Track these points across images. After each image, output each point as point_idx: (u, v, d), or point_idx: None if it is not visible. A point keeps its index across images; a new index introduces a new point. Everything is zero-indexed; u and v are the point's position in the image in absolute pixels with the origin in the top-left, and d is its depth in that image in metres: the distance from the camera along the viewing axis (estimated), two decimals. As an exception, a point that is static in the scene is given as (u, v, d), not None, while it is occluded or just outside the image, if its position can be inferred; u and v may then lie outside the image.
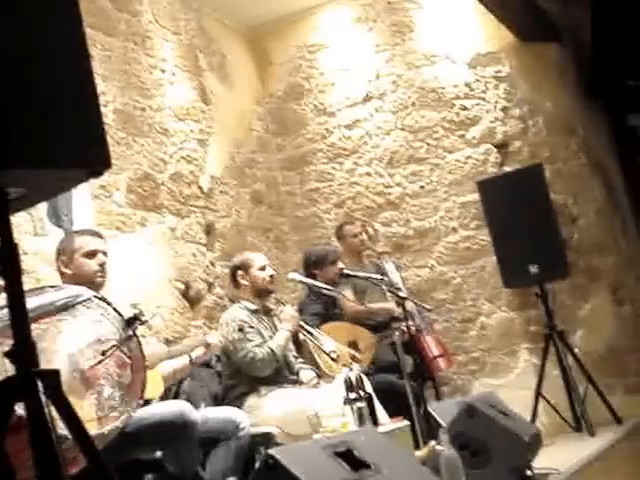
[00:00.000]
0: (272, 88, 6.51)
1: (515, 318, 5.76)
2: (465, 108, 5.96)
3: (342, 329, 4.93)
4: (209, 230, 5.36)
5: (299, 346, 4.56)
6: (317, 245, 5.64)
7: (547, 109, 5.80)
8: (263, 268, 4.44)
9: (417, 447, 3.71)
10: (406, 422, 3.87)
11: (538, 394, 5.11)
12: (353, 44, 6.30)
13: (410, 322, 4.47)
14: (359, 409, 3.57)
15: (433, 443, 3.33)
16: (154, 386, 3.28)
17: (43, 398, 1.62)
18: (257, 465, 3.27)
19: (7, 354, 1.65)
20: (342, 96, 6.30)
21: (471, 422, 3.35)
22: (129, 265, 4.37)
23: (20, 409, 1.69)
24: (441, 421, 3.57)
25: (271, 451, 2.34)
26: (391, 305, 5.15)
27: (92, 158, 1.69)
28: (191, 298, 5.00)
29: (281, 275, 5.76)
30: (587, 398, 5.03)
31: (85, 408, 2.47)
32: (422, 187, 6.05)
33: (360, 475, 2.41)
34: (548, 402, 5.13)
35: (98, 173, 1.70)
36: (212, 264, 5.26)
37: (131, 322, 2.76)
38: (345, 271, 4.96)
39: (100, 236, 3.47)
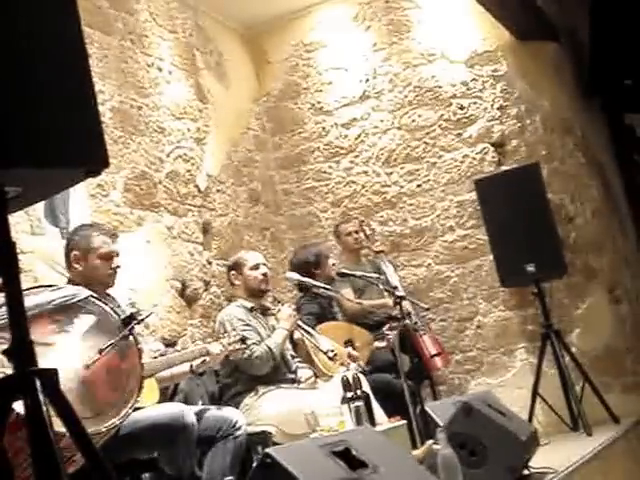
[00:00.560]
0: (269, 87, 6.51)
1: (512, 317, 5.76)
2: (462, 107, 5.96)
3: (339, 328, 4.93)
4: (206, 229, 5.35)
5: (296, 345, 4.56)
6: (308, 245, 5.60)
7: (544, 108, 5.80)
8: (256, 267, 4.43)
9: (414, 446, 3.72)
10: (403, 421, 3.88)
11: (535, 393, 5.12)
12: (350, 43, 6.29)
13: (407, 321, 4.46)
14: (356, 408, 3.57)
15: (430, 442, 3.33)
16: (149, 394, 3.27)
17: (41, 397, 1.62)
18: (254, 464, 3.26)
19: (5, 352, 1.65)
20: (339, 95, 6.29)
21: (468, 421, 3.35)
22: (126, 264, 4.36)
23: (18, 407, 1.69)
24: (438, 420, 3.57)
25: (269, 450, 2.34)
26: (389, 301, 5.13)
27: (90, 157, 1.69)
28: (188, 297, 4.99)
29: (278, 274, 5.76)
30: (584, 397, 5.03)
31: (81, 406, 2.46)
32: (419, 186, 6.05)
33: (358, 474, 2.41)
34: (545, 401, 5.13)
35: (96, 172, 1.70)
36: (209, 263, 5.26)
37: (128, 321, 2.75)
38: (342, 270, 4.97)
39: (117, 236, 3.48)
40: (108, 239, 3.41)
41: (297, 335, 4.51)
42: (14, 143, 1.58)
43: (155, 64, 5.21)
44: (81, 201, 4.20)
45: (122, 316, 2.75)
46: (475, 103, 5.93)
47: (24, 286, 1.71)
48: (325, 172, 6.31)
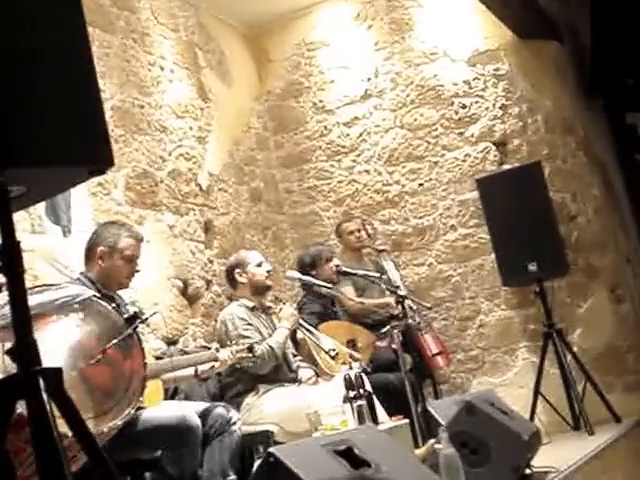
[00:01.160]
0: (271, 85, 6.50)
1: (514, 316, 5.76)
2: (464, 106, 5.95)
3: (341, 328, 4.93)
4: (207, 228, 5.35)
5: (298, 344, 4.56)
6: (310, 245, 5.63)
7: (546, 107, 5.80)
8: (260, 265, 4.46)
9: (416, 445, 3.71)
10: (405, 420, 3.87)
11: (537, 392, 5.11)
12: (352, 42, 6.29)
13: (409, 320, 4.46)
14: (359, 407, 3.57)
15: (432, 441, 3.33)
16: (154, 395, 3.27)
17: (45, 396, 1.61)
18: (257, 463, 3.26)
19: (8, 352, 1.65)
20: (341, 94, 6.29)
21: (470, 420, 3.35)
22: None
23: (20, 407, 1.69)
24: (440, 419, 3.57)
25: (271, 449, 2.34)
26: (390, 300, 5.13)
27: (94, 156, 1.68)
28: (189, 296, 4.99)
29: (279, 273, 5.76)
30: (586, 396, 5.03)
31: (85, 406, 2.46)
32: (421, 185, 6.05)
33: (360, 473, 2.40)
34: (547, 400, 5.13)
35: (100, 171, 1.70)
36: (210, 262, 5.25)
37: (131, 320, 2.75)
38: (343, 269, 4.97)
39: (142, 240, 3.51)
40: (134, 242, 3.44)
41: (299, 334, 4.51)
42: (17, 142, 1.58)
43: (157, 63, 5.20)
44: (82, 200, 4.19)
45: (125, 315, 2.75)
46: (477, 102, 5.93)
47: (26, 285, 1.71)
48: (327, 171, 6.30)
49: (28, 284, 1.72)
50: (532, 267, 5.21)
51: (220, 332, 4.30)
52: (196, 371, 3.61)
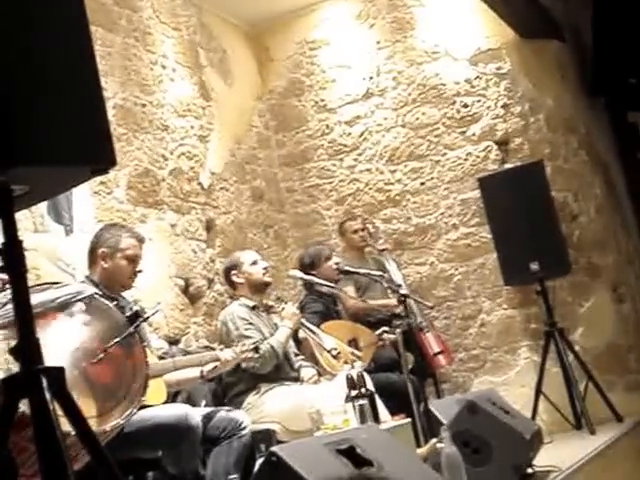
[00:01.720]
0: (272, 84, 6.50)
1: (515, 315, 5.75)
2: (466, 105, 5.95)
3: (342, 327, 4.92)
4: (209, 227, 5.35)
5: (300, 344, 4.56)
6: (310, 244, 5.65)
7: (548, 106, 5.79)
8: (255, 262, 4.46)
9: (418, 445, 3.71)
10: (407, 419, 3.87)
11: (538, 392, 5.12)
12: (354, 41, 6.28)
13: (411, 319, 4.46)
14: (361, 406, 3.57)
15: (434, 440, 3.33)
16: (157, 393, 3.27)
17: (47, 395, 1.62)
18: (258, 462, 3.26)
19: (11, 351, 1.65)
20: (343, 93, 6.28)
21: (472, 419, 3.35)
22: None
23: (23, 406, 1.69)
24: (442, 418, 3.57)
25: (273, 448, 2.34)
26: (392, 301, 5.14)
27: (96, 155, 1.69)
28: (191, 295, 4.99)
29: (281, 272, 5.76)
30: (587, 396, 5.03)
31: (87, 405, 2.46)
32: (423, 184, 6.04)
33: (362, 472, 2.41)
34: (548, 400, 5.13)
35: (103, 171, 1.70)
36: (212, 261, 5.25)
37: (133, 319, 2.75)
38: (345, 267, 4.96)
39: (144, 241, 3.53)
40: (136, 242, 3.46)
41: (301, 334, 4.51)
42: (20, 141, 1.58)
43: (159, 61, 5.20)
44: (84, 198, 4.20)
45: (127, 313, 2.75)
46: (479, 101, 5.92)
47: (28, 284, 1.71)
48: (329, 170, 6.30)
49: (30, 283, 1.72)
50: (534, 266, 5.21)
51: (221, 332, 4.29)
52: (201, 372, 3.61)
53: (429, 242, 6.00)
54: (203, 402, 4.03)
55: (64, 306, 2.61)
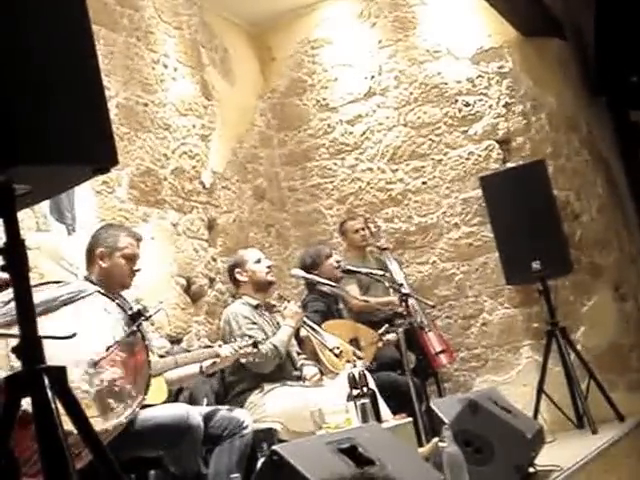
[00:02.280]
0: (274, 83, 6.50)
1: (517, 315, 5.75)
2: (468, 104, 5.94)
3: (344, 326, 4.92)
4: (211, 226, 5.35)
5: (302, 342, 4.56)
6: (310, 245, 5.66)
7: (550, 105, 5.79)
8: (258, 261, 4.46)
9: (420, 444, 3.72)
10: (409, 419, 3.87)
11: (540, 391, 5.11)
12: (356, 40, 6.28)
13: (412, 318, 4.46)
14: (362, 405, 3.57)
15: (436, 440, 3.33)
16: (158, 392, 3.28)
17: (49, 394, 1.62)
18: (260, 461, 3.26)
19: (14, 350, 1.65)
20: (344, 92, 6.28)
21: (474, 419, 3.35)
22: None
23: (26, 404, 1.69)
24: (444, 418, 3.57)
25: (275, 447, 2.35)
26: (394, 299, 5.13)
27: (98, 155, 1.69)
28: (193, 294, 4.99)
29: (283, 271, 5.76)
30: (589, 395, 5.03)
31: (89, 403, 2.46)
32: (424, 183, 6.04)
33: (364, 471, 2.41)
34: (550, 399, 5.13)
35: (104, 170, 1.70)
36: (214, 260, 5.26)
37: (135, 317, 2.75)
38: (347, 267, 4.96)
39: (141, 240, 3.53)
40: (134, 241, 3.47)
41: (303, 332, 4.51)
42: (22, 140, 1.58)
43: (161, 61, 5.20)
44: (86, 197, 4.20)
45: (130, 312, 2.75)
46: (481, 100, 5.92)
47: (30, 283, 1.71)
48: (330, 169, 6.30)
49: (33, 282, 1.72)
50: (536, 265, 5.21)
51: (224, 331, 4.29)
52: (200, 368, 3.62)
53: (431, 241, 6.00)
54: (205, 401, 4.04)
55: (67, 304, 2.61)
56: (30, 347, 1.64)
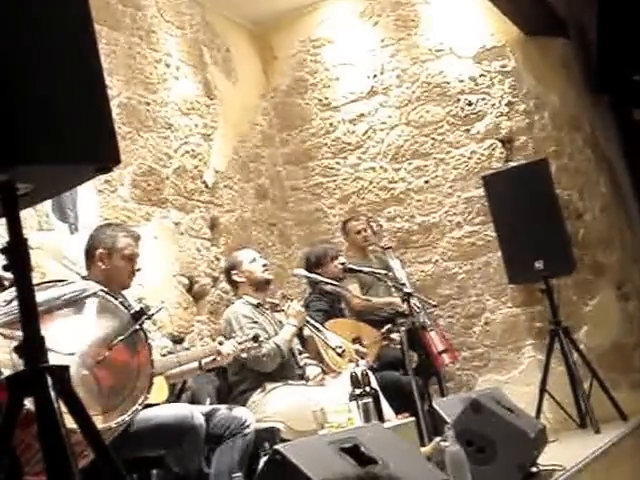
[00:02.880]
0: (276, 83, 6.50)
1: (520, 314, 5.74)
2: (470, 103, 5.94)
3: (346, 326, 4.92)
4: (213, 225, 5.35)
5: (305, 342, 4.56)
6: (317, 243, 5.65)
7: (553, 104, 5.78)
8: (253, 260, 4.46)
9: (422, 443, 3.71)
10: (411, 418, 3.87)
11: (543, 390, 5.11)
12: (358, 39, 6.28)
13: (415, 318, 4.46)
14: (365, 405, 3.57)
15: (438, 439, 3.32)
16: (159, 392, 3.28)
17: (52, 393, 1.62)
18: (263, 461, 3.26)
19: (16, 349, 1.65)
20: (346, 91, 6.28)
21: (476, 418, 3.34)
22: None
23: (29, 404, 1.69)
24: (446, 417, 3.56)
25: (278, 447, 2.35)
26: (397, 299, 5.14)
27: (101, 154, 1.69)
28: (195, 293, 5.00)
29: (286, 270, 5.76)
30: (592, 394, 5.02)
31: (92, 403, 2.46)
32: (427, 182, 6.04)
33: (367, 470, 2.41)
34: (553, 398, 5.12)
35: (107, 169, 1.70)
36: (216, 259, 5.25)
37: (137, 316, 2.75)
38: (349, 266, 4.96)
39: (140, 239, 3.52)
40: (132, 241, 3.46)
41: (306, 332, 4.51)
42: (25, 140, 1.58)
43: (163, 60, 5.21)
44: (89, 197, 4.20)
45: (132, 311, 2.75)
46: (483, 99, 5.92)
47: (33, 282, 1.71)
48: (332, 168, 6.30)
49: (35, 281, 1.72)
50: (538, 265, 5.21)
51: (225, 331, 4.29)
52: (200, 363, 3.62)
53: (433, 240, 5.99)
54: (208, 400, 4.04)
55: (70, 303, 2.61)
56: (32, 346, 1.64)
